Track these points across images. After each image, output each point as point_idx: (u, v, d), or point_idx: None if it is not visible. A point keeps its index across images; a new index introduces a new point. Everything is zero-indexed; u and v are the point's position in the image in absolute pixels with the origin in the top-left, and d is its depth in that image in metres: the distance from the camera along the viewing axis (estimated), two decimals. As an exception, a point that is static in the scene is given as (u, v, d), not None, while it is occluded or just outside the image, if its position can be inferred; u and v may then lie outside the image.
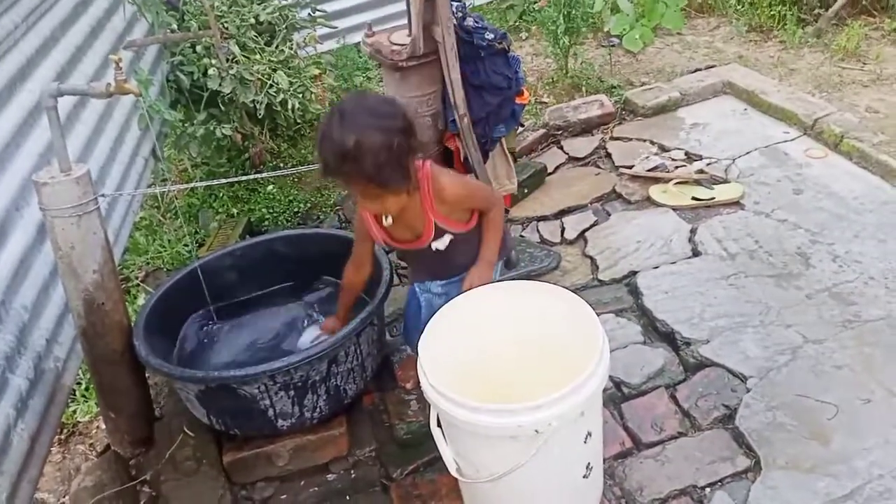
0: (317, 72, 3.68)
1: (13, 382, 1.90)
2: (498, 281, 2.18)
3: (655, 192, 3.39)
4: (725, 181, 3.41)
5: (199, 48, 3.33)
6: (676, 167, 3.53)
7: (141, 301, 2.93)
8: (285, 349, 2.35)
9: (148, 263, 3.23)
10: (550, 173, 3.65)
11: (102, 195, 2.22)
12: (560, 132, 3.95)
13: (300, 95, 3.48)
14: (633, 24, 4.18)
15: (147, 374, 2.33)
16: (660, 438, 2.24)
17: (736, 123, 3.88)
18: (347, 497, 2.19)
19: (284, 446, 2.18)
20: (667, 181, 3.42)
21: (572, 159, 3.78)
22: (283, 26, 3.63)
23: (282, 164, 3.75)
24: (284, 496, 2.20)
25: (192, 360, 2.34)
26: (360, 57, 4.67)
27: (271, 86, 3.34)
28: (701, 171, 3.46)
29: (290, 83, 3.41)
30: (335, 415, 2.23)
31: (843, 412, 2.23)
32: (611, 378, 2.41)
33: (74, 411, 2.60)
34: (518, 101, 2.89)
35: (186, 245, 3.25)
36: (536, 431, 1.67)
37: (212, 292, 2.43)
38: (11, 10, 2.27)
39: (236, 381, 2.04)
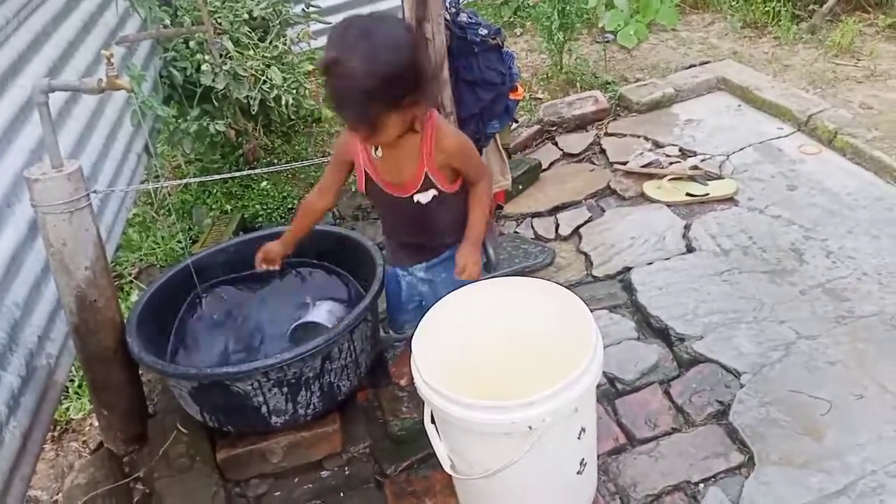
0: (311, 68, 3.66)
1: (5, 379, 1.89)
2: (491, 277, 2.18)
3: (650, 188, 3.39)
4: (719, 177, 3.41)
5: (192, 44, 3.31)
6: (671, 163, 3.53)
7: (134, 298, 2.92)
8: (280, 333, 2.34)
9: (141, 260, 3.22)
10: (545, 169, 3.65)
11: (95, 191, 2.21)
12: (554, 128, 3.95)
13: (294, 91, 3.46)
14: (627, 19, 4.18)
15: (140, 371, 2.33)
16: (654, 434, 2.25)
17: (730, 119, 3.89)
18: (341, 494, 2.19)
19: (278, 443, 2.18)
20: (661, 177, 3.43)
21: (567, 155, 3.78)
22: (277, 22, 3.61)
23: (276, 161, 3.74)
24: (278, 493, 2.19)
25: (186, 351, 2.33)
26: (355, 53, 4.65)
27: (265, 82, 3.33)
28: (695, 168, 3.46)
29: (284, 79, 3.39)
30: (329, 411, 2.22)
31: (836, 408, 2.24)
32: (604, 374, 2.41)
33: (67, 408, 2.59)
34: (512, 96, 2.89)
35: (180, 242, 3.24)
36: (530, 428, 1.67)
37: (205, 290, 2.42)
38: (3, 5, 2.26)
39: (229, 378, 2.03)
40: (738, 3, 4.97)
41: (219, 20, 3.32)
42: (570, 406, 1.72)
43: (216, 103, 3.39)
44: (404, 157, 1.97)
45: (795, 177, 3.36)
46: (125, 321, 2.20)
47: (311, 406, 2.15)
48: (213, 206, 3.52)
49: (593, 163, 3.71)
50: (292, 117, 3.81)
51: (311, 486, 2.21)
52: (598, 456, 2.08)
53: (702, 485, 2.09)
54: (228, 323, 2.43)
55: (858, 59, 4.30)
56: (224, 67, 3.22)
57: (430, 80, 1.84)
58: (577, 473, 1.89)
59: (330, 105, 1.91)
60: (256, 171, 2.82)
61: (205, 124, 3.30)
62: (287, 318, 2.37)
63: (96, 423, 2.38)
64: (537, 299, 2.01)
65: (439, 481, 2.14)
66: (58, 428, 2.55)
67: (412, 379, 1.89)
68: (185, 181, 3.34)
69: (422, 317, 1.93)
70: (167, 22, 3.32)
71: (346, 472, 2.23)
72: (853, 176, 3.32)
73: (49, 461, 2.42)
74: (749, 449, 2.15)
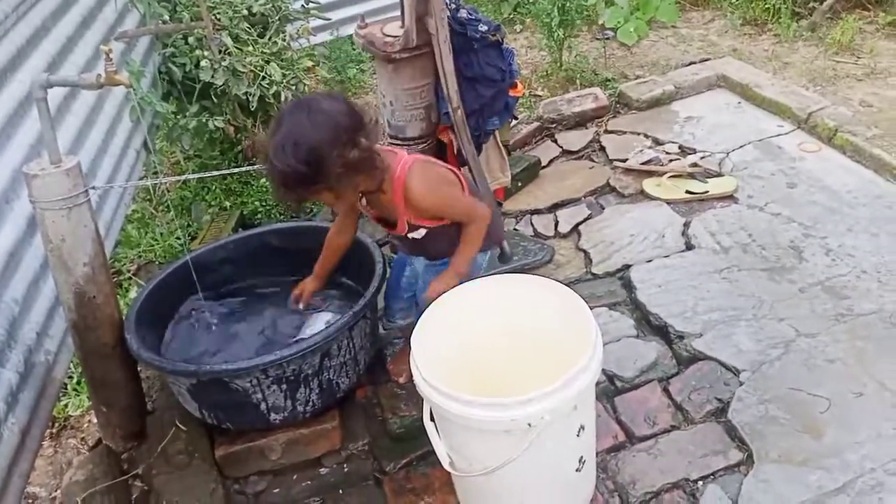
0: (310, 64, 3.65)
1: (3, 376, 1.89)
2: (490, 274, 2.18)
3: (649, 185, 3.39)
4: (719, 175, 3.41)
5: (191, 39, 3.30)
6: (670, 160, 3.53)
7: (133, 294, 2.92)
8: (282, 337, 2.33)
9: (140, 256, 3.21)
10: (544, 166, 3.65)
11: (93, 187, 2.20)
12: (554, 125, 3.94)
13: (293, 87, 3.45)
14: (627, 16, 4.18)
15: (139, 368, 2.32)
16: (653, 432, 2.25)
17: (730, 117, 3.88)
18: (340, 491, 2.19)
19: (277, 440, 2.17)
20: (661, 175, 3.42)
21: (566, 152, 3.78)
22: (276, 18, 3.60)
23: (275, 157, 3.72)
24: (277, 490, 2.19)
25: (184, 348, 2.32)
26: (354, 49, 4.65)
27: (264, 78, 3.32)
28: (695, 165, 3.46)
29: (283, 75, 3.38)
30: (328, 409, 2.22)
31: (835, 406, 2.24)
32: (604, 371, 2.41)
33: (66, 405, 2.59)
34: (512, 93, 2.88)
35: (179, 238, 3.23)
36: (529, 425, 1.67)
37: (204, 286, 2.41)
38: (1, 0, 2.25)
39: (228, 375, 2.03)
40: (738, 0, 4.96)
41: (218, 16, 3.31)
42: (570, 403, 1.72)
43: (215, 99, 3.38)
44: (385, 209, 2.03)
45: (795, 174, 3.36)
46: (124, 318, 2.20)
47: (310, 403, 2.15)
48: (213, 203, 3.51)
49: (593, 160, 3.70)
50: (291, 114, 3.79)
51: (309, 483, 2.21)
52: (598, 453, 2.08)
53: (701, 482, 2.09)
54: (226, 324, 2.43)
55: (858, 57, 4.29)
56: (223, 63, 3.21)
57: (349, 159, 1.78)
58: (577, 471, 1.89)
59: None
60: (255, 167, 2.82)
61: (204, 120, 3.30)
62: (286, 324, 2.36)
63: (95, 420, 2.37)
64: (537, 296, 2.00)
65: (438, 479, 2.15)
66: (56, 424, 2.54)
67: (411, 376, 1.88)
68: (183, 177, 3.34)
69: (413, 309, 1.94)
70: (166, 17, 3.31)
71: (345, 470, 2.23)
72: (853, 174, 3.32)
73: (48, 458, 2.41)
74: (748, 447, 2.15)
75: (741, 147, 3.61)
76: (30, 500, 2.22)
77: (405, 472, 2.22)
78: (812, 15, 4.67)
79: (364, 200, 2.03)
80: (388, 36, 2.61)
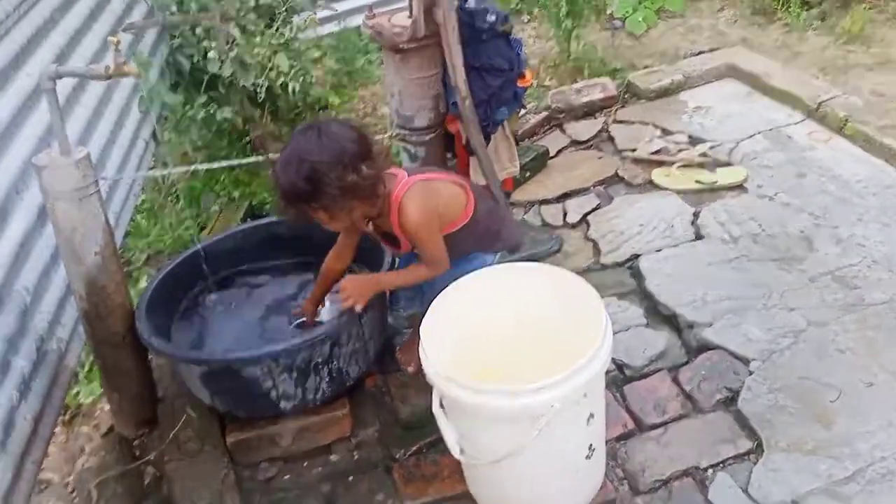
0: (317, 54, 3.66)
1: (16, 364, 1.91)
2: (501, 263, 2.18)
3: (658, 175, 3.37)
4: (728, 164, 3.39)
5: (198, 31, 3.31)
6: (679, 150, 3.51)
7: (143, 284, 2.93)
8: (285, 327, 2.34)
9: (149, 247, 3.22)
10: (553, 156, 3.63)
11: (103, 178, 2.22)
12: (562, 115, 3.92)
13: (301, 78, 3.46)
14: (636, 6, 4.16)
15: (150, 356, 2.34)
16: (662, 420, 2.24)
17: (739, 106, 3.86)
18: (350, 478, 2.20)
19: (287, 427, 2.19)
20: (670, 164, 3.41)
21: (575, 142, 3.77)
22: (284, 9, 3.60)
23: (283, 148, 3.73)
24: (287, 476, 2.20)
25: (193, 340, 2.34)
26: (362, 39, 4.63)
27: (272, 69, 3.32)
28: (704, 155, 3.45)
29: (291, 66, 3.39)
30: (338, 396, 2.23)
31: (845, 395, 2.23)
32: (613, 360, 2.40)
33: (78, 393, 2.60)
34: (520, 83, 2.87)
35: (188, 228, 3.25)
36: (539, 413, 1.68)
37: (214, 275, 2.42)
38: (10, -8, 2.26)
39: (239, 364, 2.04)
40: (747, -11, 4.93)
41: (225, 7, 3.31)
42: (579, 392, 1.72)
43: (223, 90, 3.39)
44: (387, 228, 2.07)
45: (805, 164, 3.34)
46: (135, 307, 2.21)
47: (321, 391, 2.16)
48: (221, 194, 3.52)
49: (601, 150, 3.69)
50: (299, 104, 3.80)
51: (320, 469, 2.22)
52: (607, 441, 2.08)
53: (710, 470, 2.09)
54: (235, 313, 2.44)
55: (869, 46, 4.25)
56: (231, 54, 3.22)
57: (347, 182, 1.84)
58: (586, 458, 1.89)
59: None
60: (264, 157, 2.82)
61: (212, 111, 3.31)
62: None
63: (107, 407, 2.39)
64: (546, 285, 2.01)
65: (448, 466, 2.15)
66: (69, 412, 2.56)
67: (420, 365, 1.89)
68: (192, 167, 3.35)
69: (418, 299, 1.95)
70: (174, 9, 3.32)
71: (355, 457, 2.24)
72: (863, 163, 3.30)
73: (60, 445, 2.43)
74: (758, 435, 2.15)
75: (751, 137, 3.58)
76: (43, 486, 2.24)
77: (415, 460, 2.22)
78: (822, 4, 4.62)
79: (370, 225, 2.09)
80: (397, 26, 2.60)
